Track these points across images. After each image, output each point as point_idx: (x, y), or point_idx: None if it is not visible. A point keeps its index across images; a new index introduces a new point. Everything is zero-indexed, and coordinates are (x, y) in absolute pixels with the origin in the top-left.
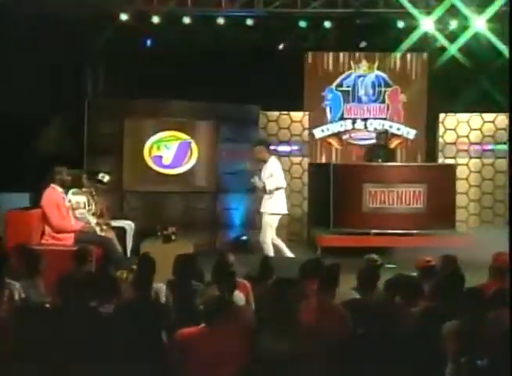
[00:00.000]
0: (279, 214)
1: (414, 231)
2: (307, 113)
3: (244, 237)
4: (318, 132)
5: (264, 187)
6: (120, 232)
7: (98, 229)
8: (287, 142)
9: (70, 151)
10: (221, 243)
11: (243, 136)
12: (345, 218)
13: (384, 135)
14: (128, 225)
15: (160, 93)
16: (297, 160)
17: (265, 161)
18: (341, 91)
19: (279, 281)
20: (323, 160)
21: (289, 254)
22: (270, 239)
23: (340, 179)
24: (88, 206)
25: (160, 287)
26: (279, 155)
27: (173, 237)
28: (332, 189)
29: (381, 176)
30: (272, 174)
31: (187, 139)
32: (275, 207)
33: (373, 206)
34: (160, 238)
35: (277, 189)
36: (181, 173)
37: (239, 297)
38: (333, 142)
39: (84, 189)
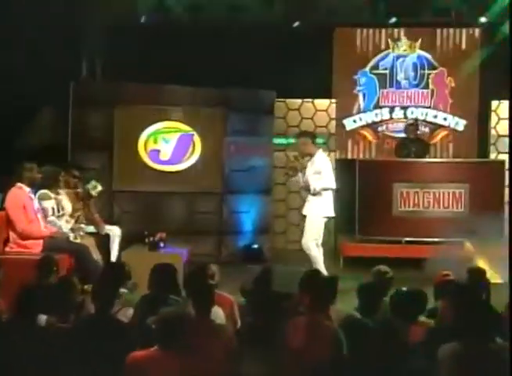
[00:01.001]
0: (325, 217)
1: (454, 239)
2: (334, 100)
3: (255, 245)
4: (349, 123)
5: (308, 187)
6: (104, 239)
7: (72, 235)
8: None
9: (53, 145)
10: (229, 252)
11: (255, 128)
12: (373, 224)
13: (412, 127)
14: (113, 231)
15: (161, 77)
16: None
17: (310, 155)
18: (377, 74)
19: (270, 296)
20: (355, 156)
21: (322, 268)
22: (314, 244)
23: (367, 178)
24: (58, 211)
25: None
26: None
27: (161, 245)
28: (357, 190)
29: (415, 174)
30: (321, 171)
31: (189, 130)
32: (321, 209)
33: (405, 209)
34: (147, 246)
35: (325, 190)
36: (182, 170)
37: (217, 314)
38: (367, 134)
39: (60, 191)
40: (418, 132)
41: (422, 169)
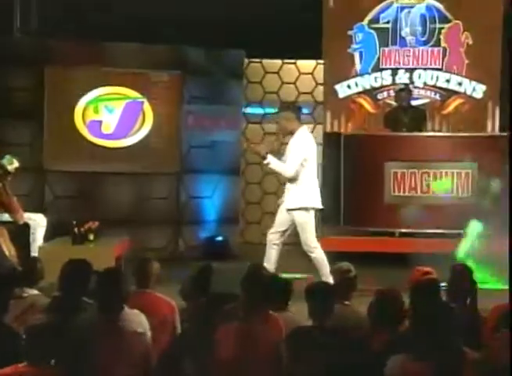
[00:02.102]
0: (311, 208)
1: (458, 231)
2: (322, 61)
3: (220, 238)
4: (341, 89)
5: (285, 172)
6: (22, 230)
7: None
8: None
9: None
10: (187, 245)
11: (220, 94)
12: (360, 213)
13: (404, 94)
14: (35, 220)
15: (104, 32)
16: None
17: (291, 133)
18: (377, 29)
19: (209, 299)
20: (349, 131)
21: (328, 274)
22: (317, 243)
23: (354, 156)
24: None
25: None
26: None
27: (90, 237)
28: (342, 171)
29: (411, 152)
30: (292, 152)
31: (138, 97)
32: (305, 199)
33: (400, 195)
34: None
35: (306, 176)
36: (129, 146)
37: (135, 320)
38: (364, 102)
39: None
40: (411, 99)
41: (420, 145)
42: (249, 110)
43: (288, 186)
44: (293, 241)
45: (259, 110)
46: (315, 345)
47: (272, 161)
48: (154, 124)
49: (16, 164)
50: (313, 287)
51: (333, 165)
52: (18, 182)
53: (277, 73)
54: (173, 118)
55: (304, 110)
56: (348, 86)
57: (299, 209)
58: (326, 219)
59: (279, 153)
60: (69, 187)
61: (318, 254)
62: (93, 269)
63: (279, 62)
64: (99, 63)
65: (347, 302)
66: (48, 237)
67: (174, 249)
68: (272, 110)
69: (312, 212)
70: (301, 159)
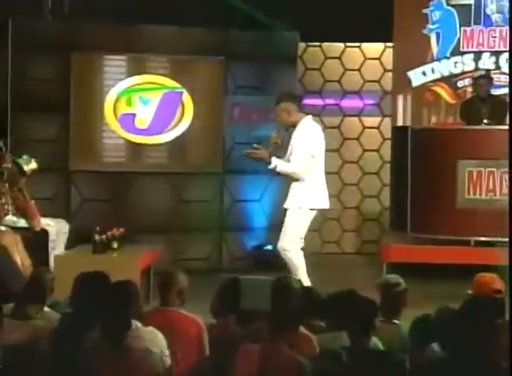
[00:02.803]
0: (311, 209)
1: None
2: (392, 44)
3: (269, 247)
4: (415, 76)
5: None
6: (39, 237)
7: None
8: (357, 94)
9: None
10: (232, 256)
11: (269, 83)
12: (429, 218)
13: (484, 81)
14: (55, 226)
15: (138, 14)
16: (372, 121)
17: (293, 126)
18: (457, 6)
19: (237, 316)
20: (423, 124)
21: (305, 280)
22: (295, 247)
23: (422, 154)
24: None
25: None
26: (345, 114)
27: (114, 245)
28: (410, 172)
29: (489, 148)
30: (297, 148)
31: (176, 87)
32: (305, 198)
33: (475, 197)
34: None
35: (311, 173)
36: (166, 143)
37: (148, 338)
38: (442, 91)
39: None
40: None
41: (499, 140)
42: (306, 100)
43: (292, 184)
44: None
45: (318, 101)
46: (349, 369)
47: (278, 164)
48: (194, 117)
49: (33, 164)
50: (350, 301)
51: (401, 165)
52: (41, 183)
53: (339, 58)
54: (216, 111)
55: (370, 101)
56: (423, 73)
57: (294, 208)
58: (392, 226)
59: (282, 151)
60: (98, 189)
61: (289, 259)
62: (110, 283)
63: (341, 45)
64: (132, 48)
65: (395, 321)
66: (72, 246)
67: (218, 259)
68: (333, 101)
69: (310, 214)
70: (308, 154)
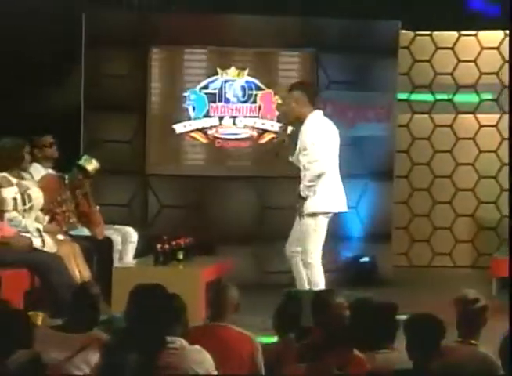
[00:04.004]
0: (324, 213)
1: None
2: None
3: (365, 259)
4: None
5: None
6: (102, 246)
7: (37, 240)
8: (473, 88)
9: (55, 103)
10: (325, 267)
11: (366, 77)
12: None
13: None
14: (120, 234)
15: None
16: (489, 119)
17: (298, 120)
18: None
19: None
20: None
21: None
22: (318, 256)
23: None
24: (24, 203)
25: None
26: (459, 111)
27: (179, 256)
28: None
29: None
30: (309, 146)
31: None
32: (318, 203)
33: None
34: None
35: (319, 175)
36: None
37: (192, 358)
38: None
39: (25, 174)
40: None
41: None
42: (415, 96)
43: (301, 186)
44: None
45: (428, 97)
46: None
47: (306, 189)
48: (282, 115)
49: (95, 164)
50: (414, 318)
51: None
52: (115, 188)
53: (452, 48)
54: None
55: (487, 96)
56: None
57: (307, 214)
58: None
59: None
60: (177, 195)
61: (313, 273)
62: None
63: (454, 34)
64: (214, 41)
65: (473, 341)
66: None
67: None
68: (445, 96)
69: (325, 219)
70: (326, 151)
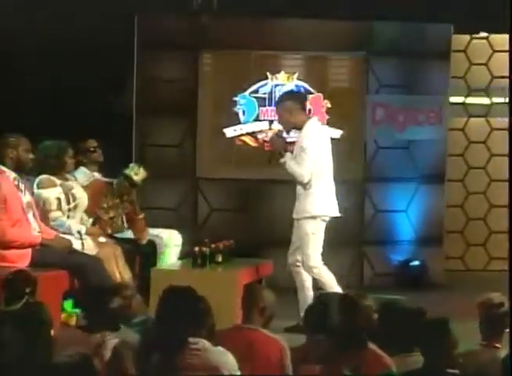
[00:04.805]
0: (319, 216)
1: None
2: None
3: (416, 262)
4: None
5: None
6: (145, 249)
7: (78, 242)
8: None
9: (107, 109)
10: (375, 272)
11: (417, 81)
12: None
13: None
14: (162, 237)
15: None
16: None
17: (297, 128)
18: None
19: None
20: None
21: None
22: (319, 259)
23: None
24: (68, 203)
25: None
26: None
27: (218, 259)
28: None
29: None
30: (305, 151)
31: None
32: (315, 207)
33: None
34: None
35: (318, 179)
36: None
37: (215, 360)
38: None
39: (69, 176)
40: None
41: None
42: (471, 99)
43: (298, 191)
44: None
45: (484, 100)
46: None
47: (288, 161)
48: (332, 118)
49: (143, 173)
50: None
51: None
52: (165, 191)
53: (510, 51)
54: (356, 112)
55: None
56: None
57: (305, 218)
58: None
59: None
60: (227, 198)
61: (317, 275)
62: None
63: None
64: (265, 45)
65: (497, 344)
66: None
67: (357, 276)
68: (502, 99)
69: (323, 223)
70: (314, 160)
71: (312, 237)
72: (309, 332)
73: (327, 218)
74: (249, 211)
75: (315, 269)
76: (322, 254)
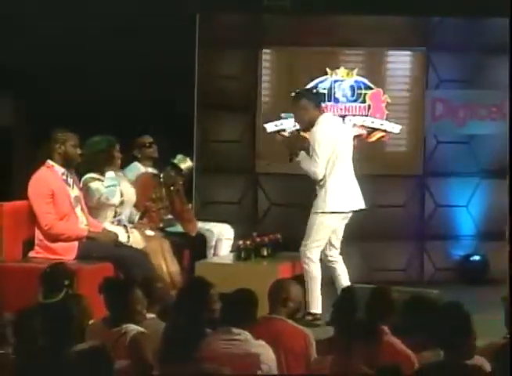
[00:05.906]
0: (335, 213)
1: None
2: None
3: (476, 257)
4: None
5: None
6: (194, 242)
7: (124, 235)
8: None
9: (171, 103)
10: (436, 267)
11: (478, 75)
12: None
13: None
14: (214, 231)
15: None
16: None
17: (312, 125)
18: None
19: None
20: None
21: (316, 295)
22: (316, 255)
23: None
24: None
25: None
26: None
27: (264, 252)
28: None
29: None
30: (317, 148)
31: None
32: (326, 202)
33: None
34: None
35: (336, 173)
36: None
37: (263, 353)
38: None
39: (118, 172)
40: None
41: None
42: None
43: (317, 187)
44: None
45: None
46: None
47: (302, 159)
48: (390, 113)
49: (189, 163)
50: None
51: None
52: (226, 186)
53: None
54: (415, 107)
55: None
56: None
57: (315, 213)
58: None
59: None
60: (287, 193)
61: (306, 269)
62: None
63: None
64: (325, 42)
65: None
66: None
67: (418, 270)
68: None
69: (333, 219)
70: (327, 155)
71: (315, 231)
72: (336, 325)
73: (341, 215)
74: (306, 206)
75: (307, 259)
76: (381, 248)
